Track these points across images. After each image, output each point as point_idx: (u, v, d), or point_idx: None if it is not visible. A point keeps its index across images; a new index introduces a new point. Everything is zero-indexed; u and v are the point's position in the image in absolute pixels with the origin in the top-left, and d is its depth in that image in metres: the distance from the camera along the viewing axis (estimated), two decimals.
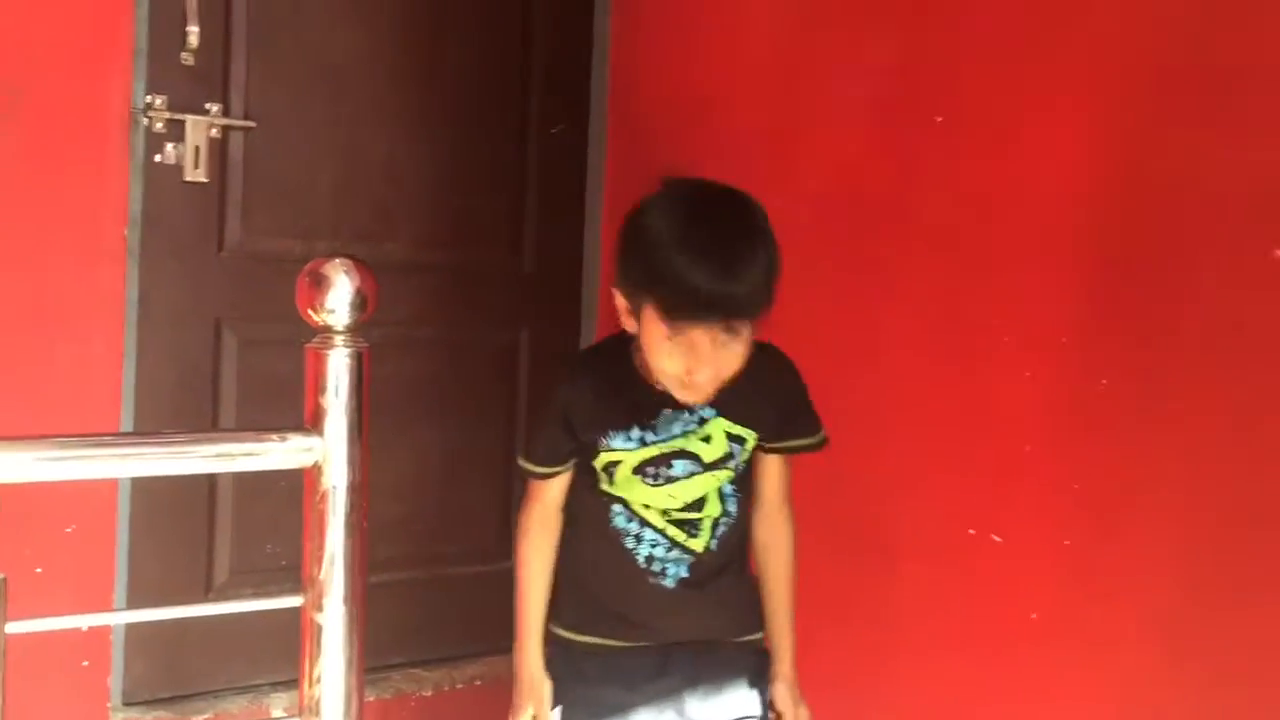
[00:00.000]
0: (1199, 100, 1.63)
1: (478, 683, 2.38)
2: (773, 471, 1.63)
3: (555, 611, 1.62)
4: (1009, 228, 1.85)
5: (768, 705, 1.64)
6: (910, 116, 1.98)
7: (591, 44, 2.60)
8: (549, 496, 1.60)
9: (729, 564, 1.61)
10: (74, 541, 1.99)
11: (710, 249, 1.37)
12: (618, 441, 1.52)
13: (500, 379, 2.51)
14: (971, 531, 1.87)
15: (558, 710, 1.58)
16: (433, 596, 2.43)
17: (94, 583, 2.02)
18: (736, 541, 1.62)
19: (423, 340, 2.42)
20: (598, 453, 1.54)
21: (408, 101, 2.38)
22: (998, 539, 1.85)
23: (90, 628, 1.97)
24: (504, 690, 1.68)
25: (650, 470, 1.53)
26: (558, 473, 1.58)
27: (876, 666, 2.01)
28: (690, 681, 1.58)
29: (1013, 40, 1.85)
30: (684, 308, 1.37)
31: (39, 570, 1.94)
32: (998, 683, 1.85)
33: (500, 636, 2.43)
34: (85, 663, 2.02)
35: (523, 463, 1.59)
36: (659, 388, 1.50)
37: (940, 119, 1.94)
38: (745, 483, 1.61)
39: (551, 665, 1.61)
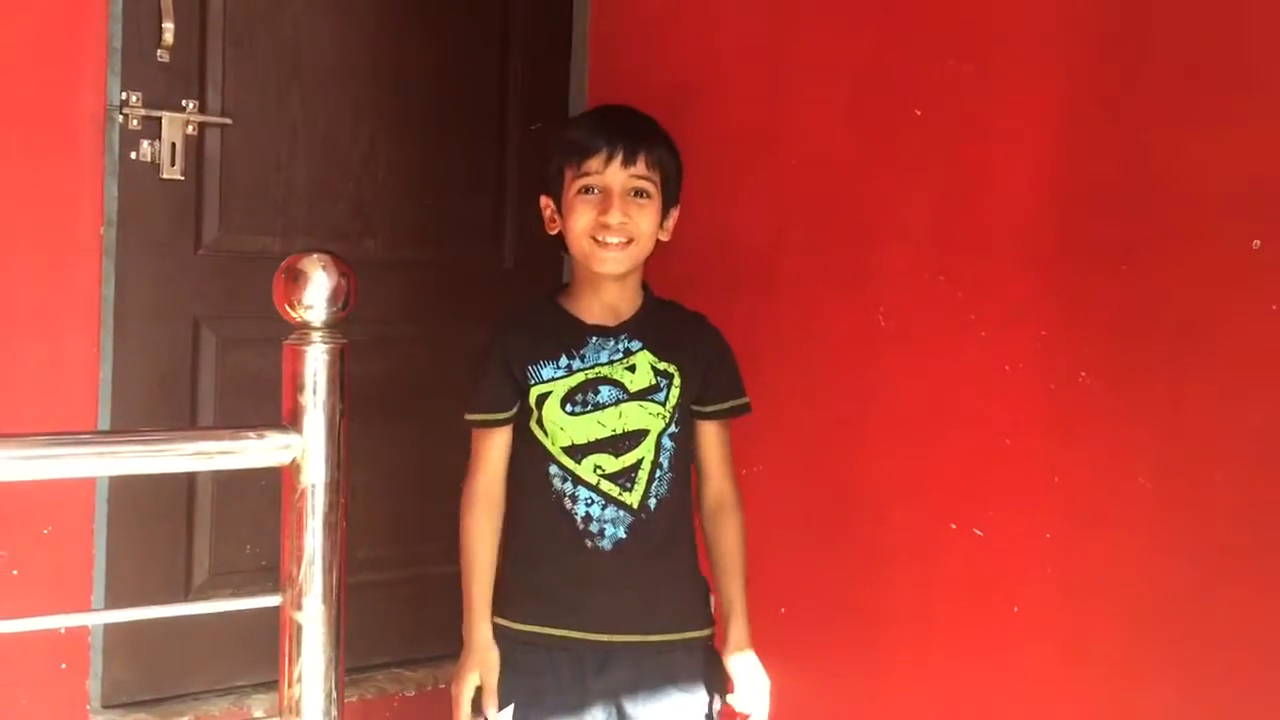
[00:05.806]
0: (1178, 93, 1.63)
1: None
2: (710, 439, 1.68)
3: (498, 600, 1.63)
4: (988, 220, 1.85)
5: (717, 702, 1.63)
6: (890, 109, 1.98)
7: (571, 41, 2.60)
8: (492, 458, 1.64)
9: (671, 541, 1.62)
10: (51, 542, 1.97)
11: (607, 109, 1.67)
12: (548, 370, 1.60)
13: None
14: (953, 526, 1.88)
15: (509, 709, 1.58)
16: (415, 596, 2.42)
17: (72, 584, 2.00)
18: (677, 514, 1.62)
19: (403, 337, 2.40)
20: (530, 390, 1.60)
21: (386, 98, 2.37)
22: (979, 533, 1.85)
23: (68, 629, 1.96)
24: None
25: (578, 398, 1.59)
26: (500, 421, 1.62)
27: (861, 661, 2.01)
28: (632, 682, 1.58)
29: (991, 33, 1.86)
30: (587, 146, 1.56)
31: (15, 573, 1.92)
32: (980, 676, 1.85)
33: None
34: (63, 665, 2.00)
35: (468, 416, 1.65)
36: (587, 321, 1.62)
37: (919, 112, 1.94)
38: (685, 447, 1.64)
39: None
